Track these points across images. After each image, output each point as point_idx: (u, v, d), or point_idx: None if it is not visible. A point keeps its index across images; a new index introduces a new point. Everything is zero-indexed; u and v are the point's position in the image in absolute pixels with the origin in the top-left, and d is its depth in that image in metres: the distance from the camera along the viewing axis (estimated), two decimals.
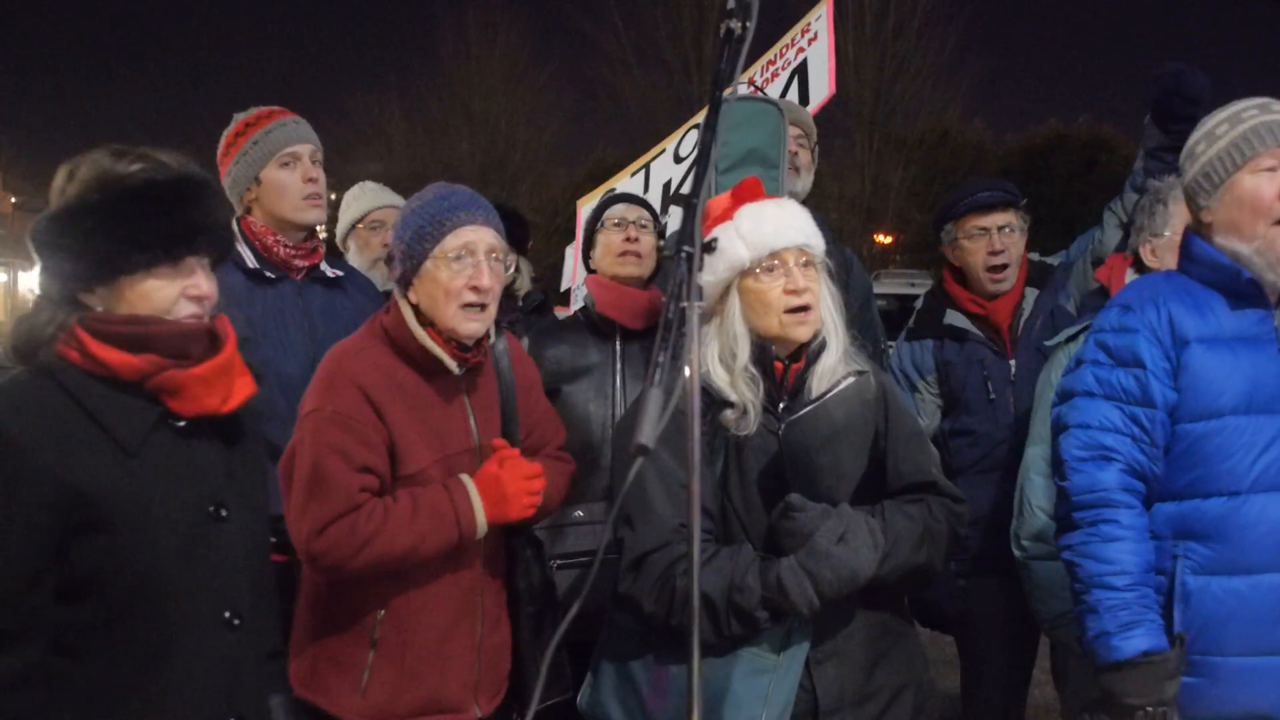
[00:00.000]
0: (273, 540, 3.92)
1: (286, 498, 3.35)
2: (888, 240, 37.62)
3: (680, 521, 3.16)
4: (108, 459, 2.55)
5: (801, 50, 6.51)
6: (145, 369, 2.60)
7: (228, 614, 2.70)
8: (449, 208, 3.41)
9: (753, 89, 6.58)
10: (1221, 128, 3.23)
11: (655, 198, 6.73)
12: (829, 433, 3.16)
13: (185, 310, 2.67)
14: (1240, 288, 3.19)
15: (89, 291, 2.60)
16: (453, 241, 3.38)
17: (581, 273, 5.06)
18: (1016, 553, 4.09)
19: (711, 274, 3.28)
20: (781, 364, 3.30)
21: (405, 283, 3.44)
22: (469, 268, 3.37)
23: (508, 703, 3.63)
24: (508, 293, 5.94)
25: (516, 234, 6.04)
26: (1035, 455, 4.04)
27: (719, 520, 3.26)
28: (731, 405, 3.24)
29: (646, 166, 6.89)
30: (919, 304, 5.27)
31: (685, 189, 6.76)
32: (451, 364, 3.41)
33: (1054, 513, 3.34)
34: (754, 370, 3.26)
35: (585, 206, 7.48)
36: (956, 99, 37.59)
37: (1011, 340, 4.84)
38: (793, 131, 5.07)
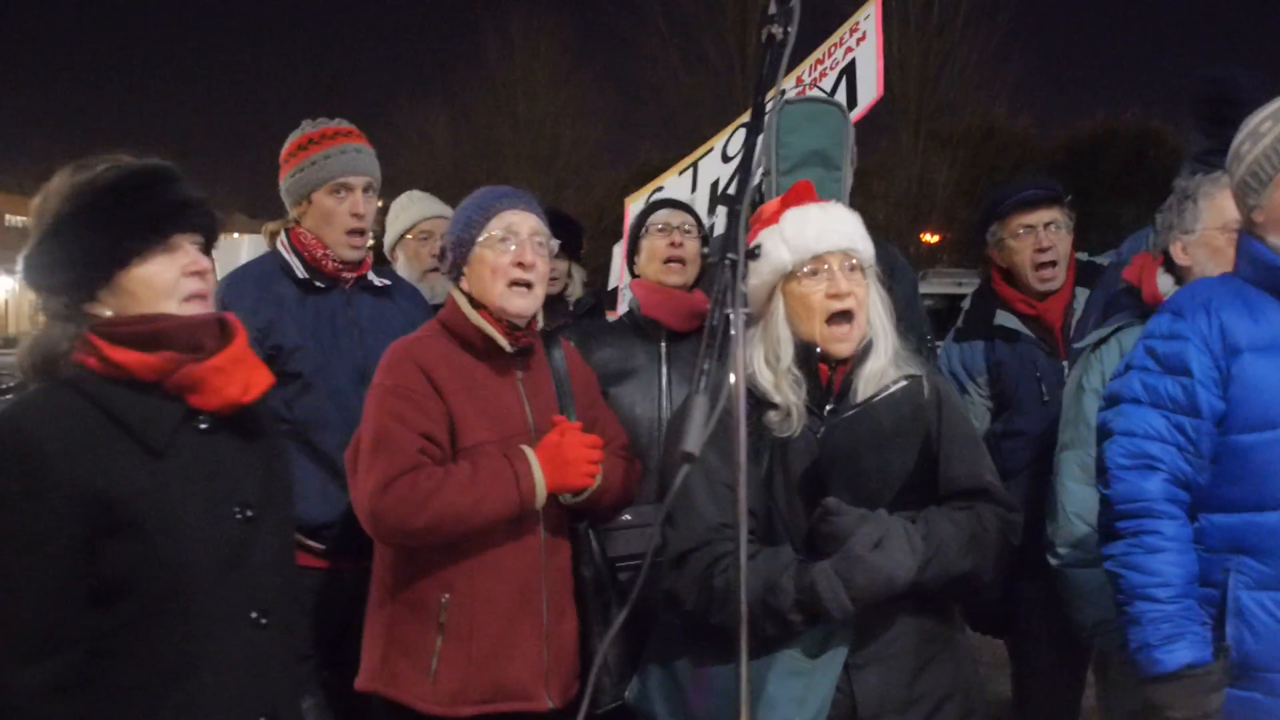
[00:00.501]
0: (319, 546, 3.97)
1: (353, 479, 3.48)
2: (935, 239, 37.44)
3: (722, 521, 3.16)
4: (135, 462, 2.57)
5: (850, 50, 6.48)
6: (163, 366, 2.63)
7: (255, 614, 2.71)
8: (494, 197, 3.69)
9: (801, 88, 6.55)
10: (1265, 125, 3.17)
11: (703, 196, 6.69)
12: (873, 437, 3.15)
13: (190, 288, 2.69)
14: None
15: (92, 300, 2.63)
16: (497, 224, 3.63)
17: (628, 274, 5.08)
18: (1053, 560, 4.04)
19: (756, 277, 3.29)
20: (827, 366, 3.29)
21: (457, 272, 3.67)
22: (513, 247, 3.60)
23: (578, 700, 3.62)
24: (559, 299, 5.99)
25: (570, 240, 6.07)
26: (1068, 460, 4.01)
27: (762, 521, 3.25)
28: (776, 407, 3.24)
29: (694, 165, 6.86)
30: (966, 304, 5.24)
31: (732, 190, 6.74)
32: (503, 341, 3.58)
33: (1097, 521, 3.30)
34: (797, 372, 3.26)
35: (633, 204, 7.47)
36: (1002, 94, 37.42)
37: (1064, 341, 4.80)
38: None
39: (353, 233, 4.32)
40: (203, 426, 2.70)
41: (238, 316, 3.91)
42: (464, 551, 3.45)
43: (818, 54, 6.79)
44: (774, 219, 3.34)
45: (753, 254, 2.54)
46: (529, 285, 3.59)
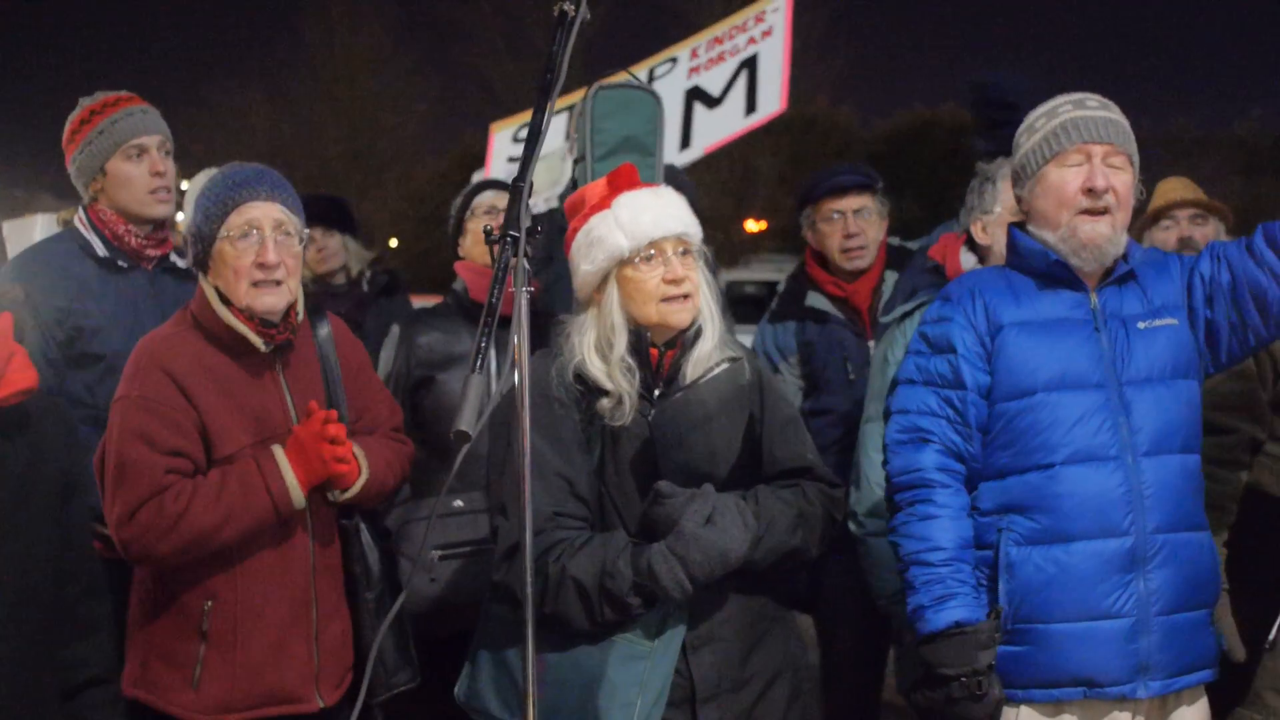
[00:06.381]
0: (108, 534, 3.84)
1: (102, 490, 3.34)
2: (760, 227, 37.90)
3: (554, 509, 3.18)
4: None
5: (753, 40, 6.38)
6: None
7: None
8: (232, 186, 3.42)
9: (696, 63, 6.48)
10: (1040, 121, 3.40)
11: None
12: (699, 417, 3.22)
13: None
14: (1052, 271, 3.35)
15: None
16: (236, 219, 3.38)
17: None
18: (854, 529, 4.20)
19: (590, 264, 3.30)
20: (657, 350, 3.32)
21: (202, 266, 3.45)
22: (255, 245, 3.38)
23: (354, 693, 3.56)
24: (346, 276, 5.92)
25: (339, 216, 5.99)
26: (871, 431, 4.15)
27: (595, 508, 3.28)
28: (607, 394, 3.26)
29: (570, 111, 6.67)
30: (781, 287, 5.34)
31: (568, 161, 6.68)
32: (258, 341, 3.40)
33: (884, 495, 3.47)
34: (630, 360, 3.28)
35: (499, 132, 7.26)
36: (824, 85, 38.03)
37: (871, 322, 4.92)
38: None
39: (156, 191, 4.22)
40: None
41: (33, 296, 3.75)
42: (228, 558, 3.34)
43: (716, 31, 6.66)
44: (604, 204, 3.34)
45: (532, 232, 2.53)
46: (277, 282, 3.39)
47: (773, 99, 6.14)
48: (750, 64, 6.30)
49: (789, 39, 6.24)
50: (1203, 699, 3.36)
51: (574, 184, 4.40)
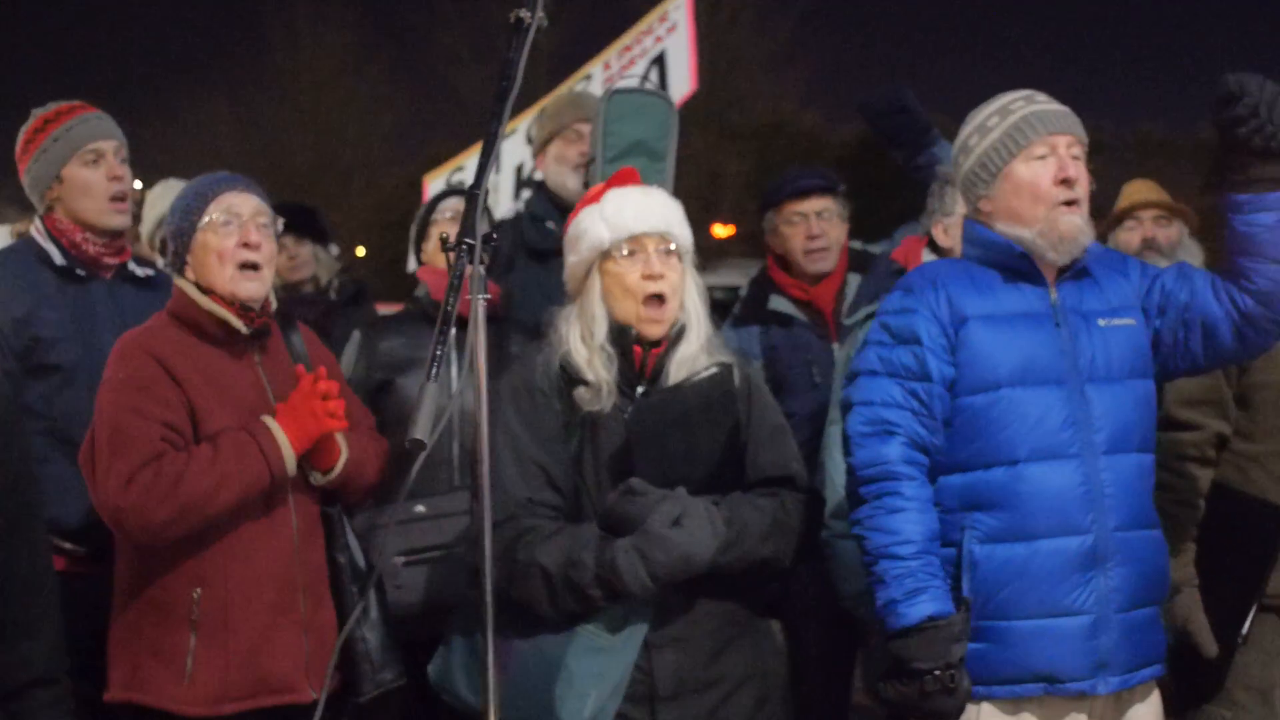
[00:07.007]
0: (80, 550, 3.78)
1: (91, 478, 3.34)
2: (728, 231, 37.98)
3: (529, 496, 3.23)
4: None
5: (660, 39, 6.55)
6: None
7: None
8: (210, 182, 3.56)
9: (608, 75, 6.60)
10: (992, 120, 3.36)
11: (507, 180, 6.67)
12: (680, 420, 3.25)
13: None
14: (1016, 264, 3.33)
15: None
16: (216, 208, 3.50)
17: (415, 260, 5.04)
18: (820, 532, 4.15)
19: (575, 255, 3.39)
20: (641, 349, 3.35)
21: (180, 262, 3.54)
22: (236, 230, 3.48)
23: (344, 690, 3.60)
24: (315, 285, 5.90)
25: (311, 225, 5.97)
26: (836, 433, 4.11)
27: (570, 499, 3.31)
28: (588, 384, 3.30)
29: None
30: (743, 291, 5.34)
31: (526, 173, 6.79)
32: (238, 323, 3.48)
33: (845, 489, 3.43)
34: (611, 350, 3.32)
35: (432, 182, 7.37)
36: (791, 90, 38.13)
37: (835, 325, 4.94)
38: (586, 128, 5.07)
39: (115, 199, 4.18)
40: None
41: None
42: (214, 543, 3.36)
43: (625, 40, 6.83)
44: (597, 199, 3.41)
45: (487, 240, 2.52)
46: (256, 267, 3.49)
47: (683, 81, 6.35)
48: (660, 60, 6.48)
49: (692, 27, 6.47)
50: (1155, 693, 3.38)
51: (585, 186, 4.44)
